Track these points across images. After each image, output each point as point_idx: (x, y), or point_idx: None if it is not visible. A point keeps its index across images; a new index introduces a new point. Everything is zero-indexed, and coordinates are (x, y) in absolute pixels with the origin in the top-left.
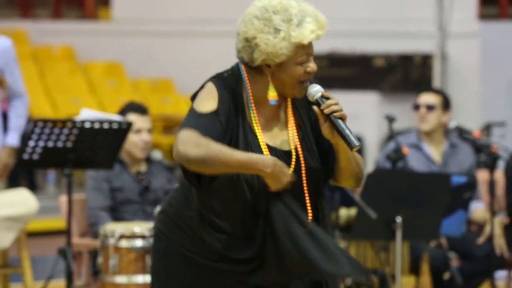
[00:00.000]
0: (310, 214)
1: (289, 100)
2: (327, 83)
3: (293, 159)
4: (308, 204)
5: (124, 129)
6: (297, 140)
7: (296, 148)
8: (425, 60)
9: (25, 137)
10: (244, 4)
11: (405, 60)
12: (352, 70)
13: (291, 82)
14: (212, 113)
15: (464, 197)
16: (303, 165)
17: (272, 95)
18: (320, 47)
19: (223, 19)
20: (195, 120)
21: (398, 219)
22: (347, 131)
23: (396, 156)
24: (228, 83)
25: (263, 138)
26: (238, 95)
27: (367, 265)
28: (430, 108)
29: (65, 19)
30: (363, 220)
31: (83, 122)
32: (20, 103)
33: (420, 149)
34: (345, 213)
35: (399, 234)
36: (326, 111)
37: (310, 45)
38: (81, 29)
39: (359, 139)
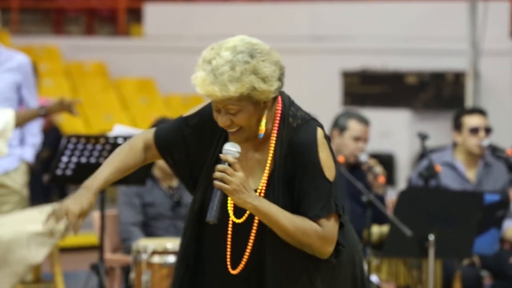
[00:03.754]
0: (244, 262)
1: (272, 139)
2: (358, 100)
3: None
4: (247, 253)
5: None
6: (265, 183)
7: (259, 192)
8: (458, 78)
9: (58, 153)
10: (276, 22)
11: (437, 77)
12: (384, 87)
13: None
14: (182, 118)
15: (497, 215)
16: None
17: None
18: (352, 64)
19: (254, 35)
20: (168, 123)
21: (431, 237)
22: (211, 204)
23: (429, 173)
24: None
25: None
26: None
27: (399, 282)
28: (488, 131)
29: (97, 36)
30: (396, 237)
31: (116, 138)
32: (34, 122)
33: (454, 168)
34: (377, 230)
35: (431, 252)
36: (215, 174)
37: (214, 100)
38: (114, 46)
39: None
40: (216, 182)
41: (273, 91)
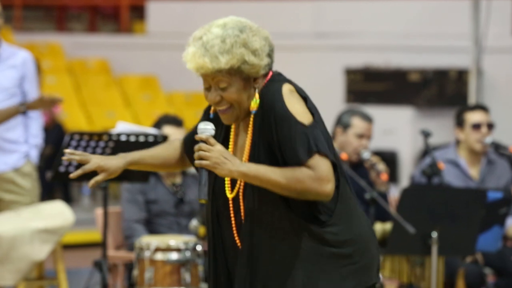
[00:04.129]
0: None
1: (251, 117)
2: (361, 98)
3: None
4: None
5: (159, 142)
6: (248, 151)
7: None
8: (461, 75)
9: (61, 150)
10: (279, 19)
11: (440, 74)
12: (387, 85)
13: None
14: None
15: (500, 212)
16: (242, 184)
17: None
18: (355, 61)
19: None
20: None
21: (434, 234)
22: (199, 183)
23: (432, 171)
24: None
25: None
26: None
27: (402, 279)
28: (490, 127)
29: (100, 33)
30: (399, 235)
31: (119, 135)
32: (34, 122)
33: (457, 165)
34: (380, 227)
35: (434, 250)
36: (194, 155)
37: (204, 74)
38: (116, 43)
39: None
40: (196, 161)
41: (263, 66)
